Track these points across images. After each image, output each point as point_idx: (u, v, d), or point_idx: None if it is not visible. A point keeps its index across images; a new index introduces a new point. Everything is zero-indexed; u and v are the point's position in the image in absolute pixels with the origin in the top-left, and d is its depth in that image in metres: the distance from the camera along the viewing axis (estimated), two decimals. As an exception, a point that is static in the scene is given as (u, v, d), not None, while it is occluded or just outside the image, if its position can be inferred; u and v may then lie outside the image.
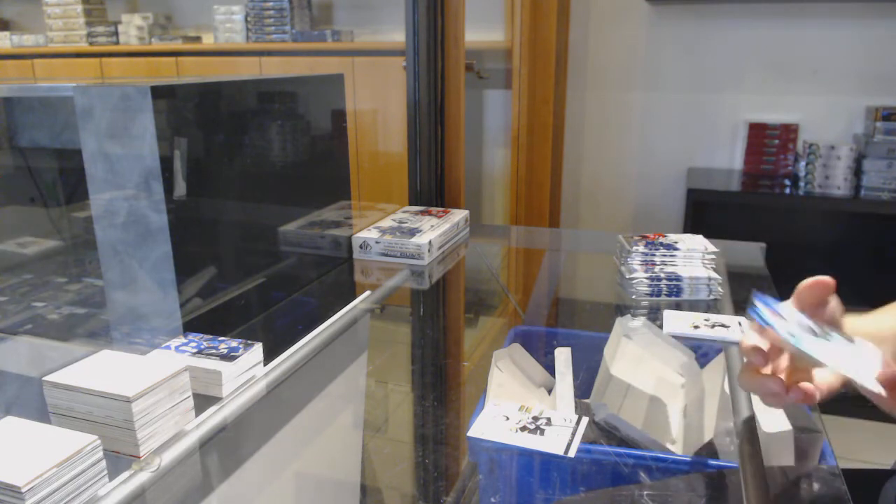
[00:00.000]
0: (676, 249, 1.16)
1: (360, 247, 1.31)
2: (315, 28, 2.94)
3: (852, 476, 0.62)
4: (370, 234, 1.31)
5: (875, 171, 2.20)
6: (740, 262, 1.31)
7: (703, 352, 0.91)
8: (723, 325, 0.96)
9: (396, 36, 2.85)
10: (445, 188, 1.66)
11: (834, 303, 0.53)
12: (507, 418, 0.70)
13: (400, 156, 2.54)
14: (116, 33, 3.13)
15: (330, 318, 1.03)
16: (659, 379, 0.81)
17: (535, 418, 0.70)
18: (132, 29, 3.07)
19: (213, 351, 0.80)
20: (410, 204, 1.64)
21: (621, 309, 1.07)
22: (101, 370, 0.69)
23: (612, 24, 2.63)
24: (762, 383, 0.50)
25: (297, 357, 0.90)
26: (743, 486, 0.59)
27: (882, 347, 0.45)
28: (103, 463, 0.60)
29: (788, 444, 0.64)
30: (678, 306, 1.07)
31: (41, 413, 0.68)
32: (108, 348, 0.74)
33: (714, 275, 1.10)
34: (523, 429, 0.68)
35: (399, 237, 1.29)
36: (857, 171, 2.25)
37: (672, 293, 1.10)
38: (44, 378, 0.67)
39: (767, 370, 0.52)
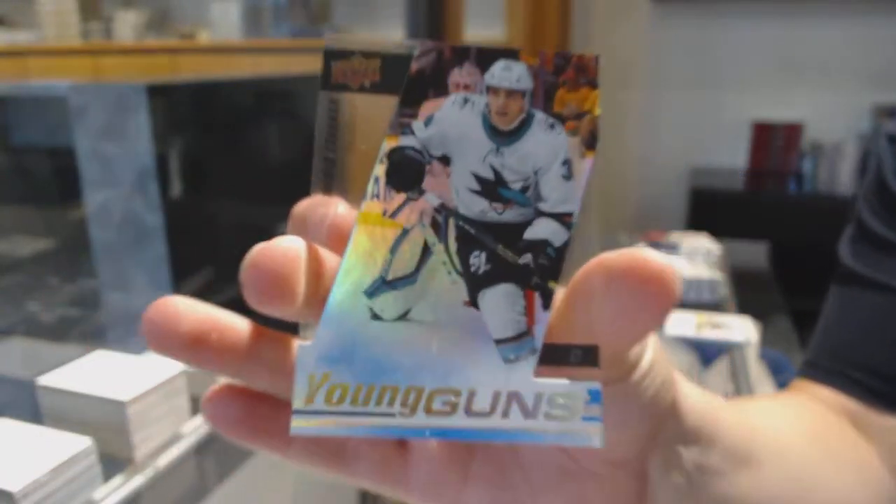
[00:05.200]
0: (679, 249, 1.15)
1: (360, 246, 1.30)
2: (313, 25, 2.93)
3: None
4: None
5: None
6: (744, 262, 1.30)
7: (706, 353, 0.90)
8: (726, 327, 0.95)
9: (396, 33, 2.84)
10: (445, 187, 1.65)
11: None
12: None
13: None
14: (111, 29, 3.11)
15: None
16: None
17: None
18: (127, 25, 3.06)
19: (210, 352, 0.79)
20: (410, 202, 1.63)
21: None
22: (95, 372, 0.68)
23: (615, 22, 2.62)
24: None
25: (296, 358, 0.89)
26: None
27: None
28: (98, 467, 0.59)
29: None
30: (681, 307, 1.06)
31: (35, 416, 0.67)
32: (103, 349, 0.73)
33: (717, 275, 1.09)
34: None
35: (398, 236, 1.28)
36: (863, 170, 2.24)
37: (674, 293, 1.09)
38: (37, 380, 0.66)
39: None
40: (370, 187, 0.15)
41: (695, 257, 1.14)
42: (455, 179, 0.16)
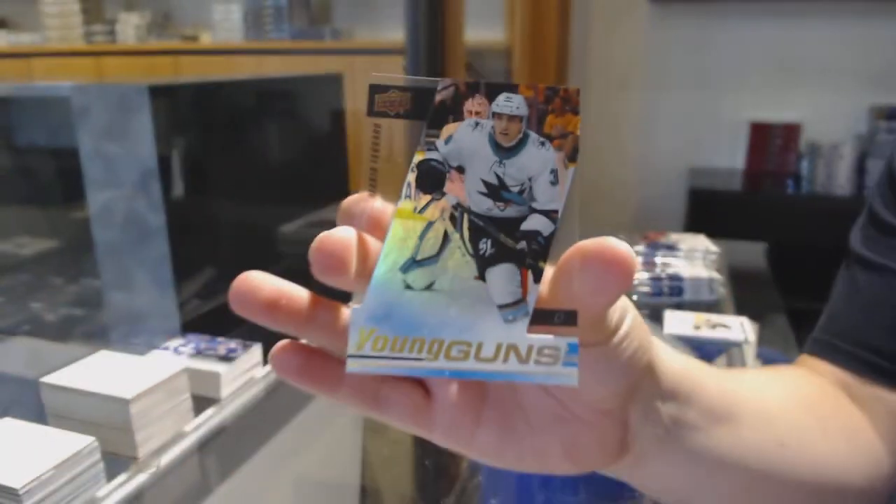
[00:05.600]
0: (678, 249, 1.15)
1: (360, 246, 1.30)
2: (314, 26, 2.93)
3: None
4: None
5: (878, 171, 2.20)
6: (742, 262, 1.30)
7: (704, 352, 0.90)
8: (724, 326, 0.95)
9: (396, 35, 2.84)
10: (445, 187, 1.65)
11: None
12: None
13: (400, 155, 2.53)
14: (114, 31, 3.12)
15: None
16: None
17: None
18: (130, 27, 3.06)
19: (212, 352, 0.79)
20: (410, 203, 1.63)
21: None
22: (99, 371, 0.69)
23: (614, 23, 2.63)
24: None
25: (297, 358, 0.89)
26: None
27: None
28: (101, 464, 0.59)
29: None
30: (679, 307, 1.06)
31: (39, 414, 0.67)
32: (106, 349, 0.74)
33: (715, 275, 1.10)
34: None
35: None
36: (860, 171, 2.24)
37: (673, 293, 1.09)
38: (41, 379, 0.67)
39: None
40: (404, 190, 0.20)
41: (693, 257, 1.14)
42: (468, 184, 0.20)
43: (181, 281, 0.84)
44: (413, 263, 0.20)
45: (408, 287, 0.20)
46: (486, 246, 0.20)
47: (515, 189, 0.20)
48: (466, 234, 0.20)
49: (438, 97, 0.20)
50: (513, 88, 0.20)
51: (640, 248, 1.17)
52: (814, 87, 2.45)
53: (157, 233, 0.81)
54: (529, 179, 0.20)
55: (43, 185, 1.11)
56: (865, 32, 2.35)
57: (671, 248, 1.16)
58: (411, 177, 0.20)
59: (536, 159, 0.20)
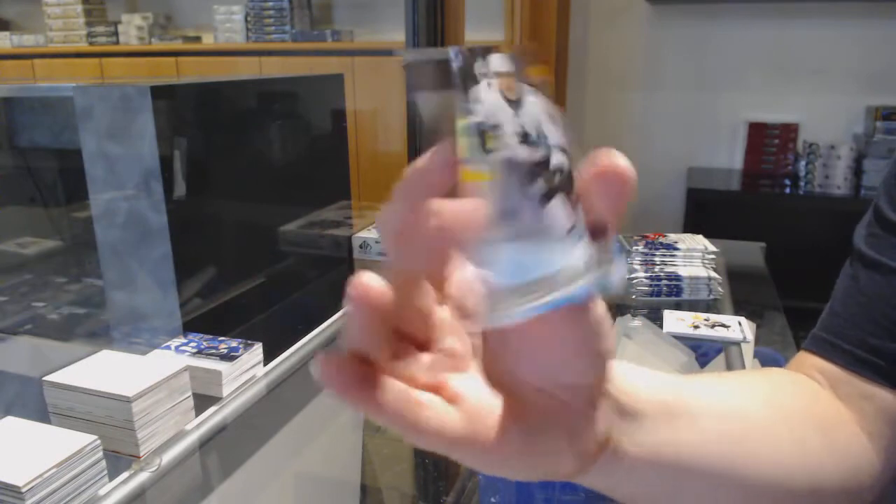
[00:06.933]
0: (676, 249, 1.16)
1: (360, 247, 1.31)
2: (315, 28, 2.94)
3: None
4: (370, 233, 1.31)
5: (875, 171, 2.21)
6: (740, 262, 1.31)
7: (702, 351, 0.91)
8: (723, 325, 0.96)
9: (396, 36, 2.85)
10: (445, 188, 1.66)
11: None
12: (507, 418, 0.70)
13: (400, 156, 2.54)
14: (116, 33, 3.13)
15: (330, 318, 1.03)
16: (659, 379, 0.81)
17: (535, 418, 0.70)
18: (132, 29, 3.07)
19: (213, 351, 0.80)
20: (410, 204, 1.64)
21: (621, 309, 1.07)
22: (101, 370, 0.69)
23: (613, 23, 2.63)
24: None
25: (297, 357, 0.90)
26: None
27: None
28: (103, 463, 0.60)
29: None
30: (678, 306, 1.07)
31: (41, 413, 0.68)
32: (108, 348, 0.74)
33: (714, 275, 1.10)
34: (523, 428, 0.68)
35: (399, 237, 1.29)
36: (858, 171, 2.25)
37: (672, 293, 1.10)
38: (44, 378, 0.67)
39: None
40: (462, 154, 0.21)
41: (692, 257, 1.15)
42: (507, 138, 0.22)
43: (183, 280, 0.85)
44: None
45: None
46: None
47: (534, 134, 0.22)
48: None
49: (456, 65, 0.21)
50: (495, 49, 0.21)
51: (640, 248, 1.17)
52: (811, 88, 2.45)
53: (158, 233, 0.82)
54: (539, 124, 0.22)
55: (45, 186, 1.12)
56: (863, 33, 2.36)
57: (670, 247, 1.17)
58: (464, 141, 0.21)
59: (535, 105, 0.22)
